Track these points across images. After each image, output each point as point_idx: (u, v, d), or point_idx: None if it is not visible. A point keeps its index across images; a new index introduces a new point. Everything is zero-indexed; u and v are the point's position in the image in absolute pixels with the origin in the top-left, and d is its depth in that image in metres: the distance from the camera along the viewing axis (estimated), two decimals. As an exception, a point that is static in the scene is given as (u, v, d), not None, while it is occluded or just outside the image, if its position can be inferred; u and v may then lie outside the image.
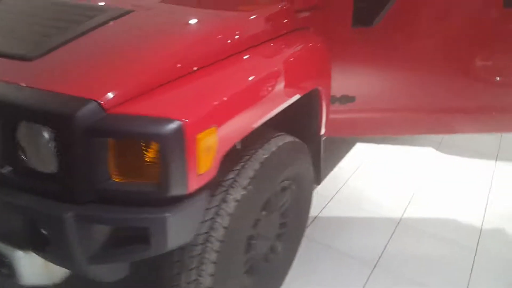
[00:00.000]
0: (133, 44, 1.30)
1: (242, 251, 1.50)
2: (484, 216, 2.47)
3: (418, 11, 1.98)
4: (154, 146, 1.07)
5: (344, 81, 2.05)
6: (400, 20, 1.96)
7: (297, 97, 1.57)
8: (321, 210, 2.49)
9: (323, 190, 2.66)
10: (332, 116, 2.12)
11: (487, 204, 2.57)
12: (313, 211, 2.46)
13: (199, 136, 1.10)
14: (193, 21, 1.53)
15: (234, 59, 1.37)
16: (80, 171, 1.09)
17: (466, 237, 2.31)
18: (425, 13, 1.99)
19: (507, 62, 2.09)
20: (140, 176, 1.11)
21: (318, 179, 2.09)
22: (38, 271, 1.34)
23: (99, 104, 1.05)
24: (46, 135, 1.09)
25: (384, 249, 2.22)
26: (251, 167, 1.44)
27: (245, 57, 1.40)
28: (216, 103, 1.19)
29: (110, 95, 1.08)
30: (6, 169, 1.17)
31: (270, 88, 1.40)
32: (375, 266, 2.11)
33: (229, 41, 1.38)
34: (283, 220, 1.84)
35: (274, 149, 1.53)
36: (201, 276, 1.39)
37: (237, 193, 1.38)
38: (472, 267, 2.10)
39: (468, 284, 2.00)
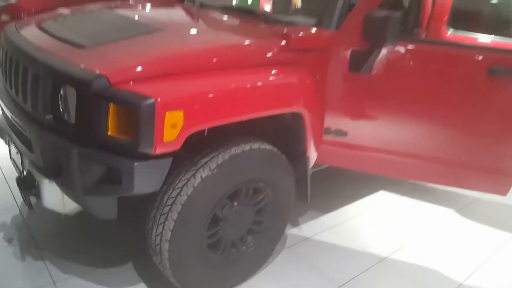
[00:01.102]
0: (145, 51, 1.82)
1: (202, 222, 1.88)
2: (467, 278, 2.52)
3: (406, 68, 2.28)
4: (135, 113, 1.55)
5: (339, 116, 2.39)
6: (390, 73, 2.28)
7: (269, 112, 1.95)
8: (316, 234, 2.74)
9: (325, 219, 2.92)
10: (326, 146, 2.46)
11: (476, 270, 2.59)
12: (308, 232, 2.74)
13: (167, 114, 1.56)
14: (194, 35, 2.06)
15: (221, 70, 1.83)
16: (89, 123, 1.62)
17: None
18: (412, 72, 2.29)
19: (484, 126, 2.27)
20: (125, 133, 1.60)
21: (305, 198, 2.40)
22: (56, 199, 1.87)
23: (108, 79, 1.58)
24: (74, 95, 1.65)
25: (356, 276, 2.41)
26: (222, 157, 1.85)
27: (231, 71, 1.85)
28: (189, 96, 1.65)
29: (117, 75, 1.60)
30: (49, 117, 1.74)
31: (240, 98, 1.82)
32: (339, 287, 2.31)
33: (220, 56, 1.86)
34: (257, 218, 2.19)
35: (246, 149, 1.93)
36: (164, 230, 1.81)
37: (204, 173, 1.80)
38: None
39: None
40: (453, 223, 3.08)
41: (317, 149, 2.38)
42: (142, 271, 2.24)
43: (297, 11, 2.90)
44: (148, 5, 2.78)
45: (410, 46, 2.28)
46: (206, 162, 1.83)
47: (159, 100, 1.54)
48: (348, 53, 2.24)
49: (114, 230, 2.52)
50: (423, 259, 2.62)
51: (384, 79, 2.30)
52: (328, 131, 2.43)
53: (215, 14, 2.65)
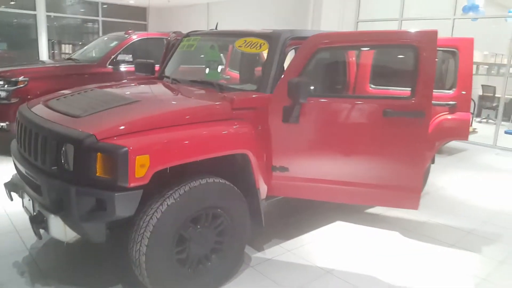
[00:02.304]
0: (123, 116, 2.52)
1: (170, 240, 2.47)
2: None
3: (325, 117, 3.00)
4: (115, 158, 2.21)
5: (281, 156, 3.05)
6: (313, 121, 2.98)
7: (219, 154, 2.62)
8: (277, 256, 3.29)
9: (285, 244, 3.48)
10: (275, 180, 3.10)
11: (412, 279, 3.13)
12: (270, 255, 3.30)
13: (137, 157, 2.23)
14: (162, 103, 2.80)
15: (180, 126, 2.52)
16: (83, 168, 2.28)
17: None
18: (330, 118, 3.00)
19: (389, 153, 2.94)
20: (108, 173, 2.25)
21: (260, 223, 3.01)
22: (60, 229, 2.47)
23: (95, 137, 2.27)
24: (72, 150, 2.32)
25: (305, 284, 2.94)
26: (183, 189, 2.49)
27: (188, 125, 2.55)
28: (153, 144, 2.33)
29: (102, 134, 2.29)
30: (54, 168, 2.41)
31: (194, 144, 2.50)
32: (291, 292, 2.85)
33: (179, 116, 2.56)
34: (219, 239, 2.77)
35: (203, 182, 2.57)
36: (141, 246, 2.40)
37: (169, 201, 2.43)
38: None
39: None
40: (399, 242, 3.64)
41: (266, 182, 3.02)
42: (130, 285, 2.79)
43: (244, 81, 3.67)
44: (133, 84, 3.57)
45: (326, 100, 3.02)
46: (171, 193, 2.46)
47: (131, 148, 2.22)
48: (281, 109, 2.95)
49: (106, 258, 3.09)
50: (368, 270, 3.16)
51: (309, 126, 2.99)
52: (275, 168, 3.09)
53: (183, 87, 3.42)
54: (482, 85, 11.31)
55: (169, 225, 2.45)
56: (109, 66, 6.55)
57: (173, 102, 2.87)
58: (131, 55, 6.60)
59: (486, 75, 12.47)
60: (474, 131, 7.34)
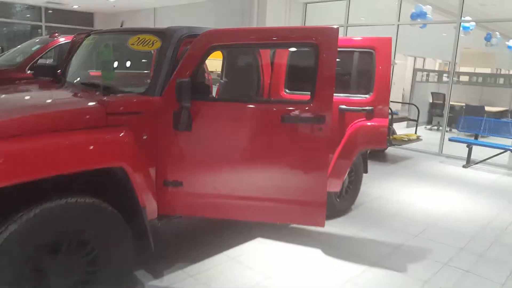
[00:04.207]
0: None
1: (17, 273, 2.03)
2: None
3: (221, 123, 2.64)
4: None
5: (174, 169, 2.67)
6: (207, 129, 2.62)
7: (84, 168, 2.21)
8: (176, 282, 2.89)
9: (189, 268, 3.08)
10: (169, 196, 2.71)
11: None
12: (168, 282, 2.89)
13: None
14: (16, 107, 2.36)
15: (36, 134, 2.10)
16: None
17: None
18: (220, 126, 2.65)
19: (288, 165, 2.61)
20: None
21: (149, 246, 2.60)
22: None
23: None
24: None
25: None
26: (40, 207, 2.06)
27: (45, 134, 2.13)
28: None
29: None
30: None
31: (47, 158, 2.08)
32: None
33: (32, 122, 2.14)
34: (91, 269, 2.35)
35: (61, 202, 2.14)
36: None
37: (14, 226, 2.00)
38: None
39: None
40: (321, 261, 3.31)
41: (158, 199, 2.62)
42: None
43: (138, 83, 3.28)
44: (8, 87, 3.11)
45: (219, 104, 2.67)
46: (17, 217, 2.02)
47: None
48: (171, 114, 2.57)
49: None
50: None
51: (203, 134, 2.63)
52: (167, 183, 2.70)
53: (62, 90, 3.00)
54: (432, 93, 11.34)
55: (15, 256, 2.01)
56: (29, 72, 6.00)
57: (30, 107, 2.43)
58: (52, 60, 6.08)
59: (437, 82, 12.59)
60: (418, 139, 7.19)
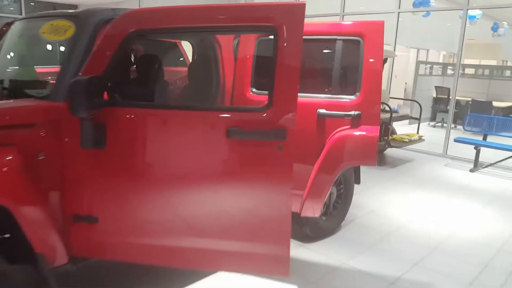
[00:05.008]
0: None
1: None
2: None
3: (138, 140, 1.95)
4: None
5: (86, 200, 1.98)
6: (127, 147, 1.93)
7: None
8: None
9: None
10: (82, 235, 2.03)
11: None
12: None
13: None
14: None
15: None
16: None
17: None
18: (144, 143, 1.95)
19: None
20: None
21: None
22: None
23: None
24: None
25: None
26: None
27: None
28: None
29: None
30: None
31: None
32: None
33: None
34: None
35: None
36: None
37: None
38: None
39: None
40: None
41: (67, 239, 1.95)
42: None
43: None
44: None
45: (138, 112, 1.96)
46: None
47: None
48: (78, 126, 1.88)
49: None
50: None
51: (122, 153, 1.94)
52: (79, 218, 2.02)
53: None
54: (436, 87, 10.59)
55: None
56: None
57: None
58: None
59: (441, 75, 11.82)
60: (420, 139, 6.47)
